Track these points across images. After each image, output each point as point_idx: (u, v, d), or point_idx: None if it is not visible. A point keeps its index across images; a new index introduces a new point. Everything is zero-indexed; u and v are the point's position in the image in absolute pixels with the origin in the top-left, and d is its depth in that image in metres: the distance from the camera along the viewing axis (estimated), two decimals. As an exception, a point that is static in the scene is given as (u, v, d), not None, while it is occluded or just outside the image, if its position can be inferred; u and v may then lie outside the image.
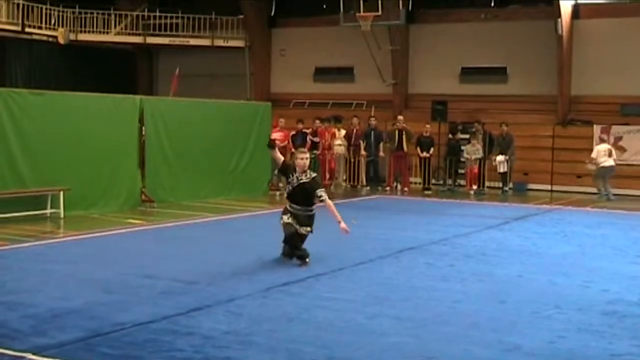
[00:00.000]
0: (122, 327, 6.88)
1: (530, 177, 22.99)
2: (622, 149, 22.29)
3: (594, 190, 21.43)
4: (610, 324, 7.48)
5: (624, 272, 10.17)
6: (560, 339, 6.90)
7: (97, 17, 27.18)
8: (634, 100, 22.77)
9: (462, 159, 22.40)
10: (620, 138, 22.34)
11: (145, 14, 27.62)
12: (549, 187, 22.56)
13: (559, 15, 22.70)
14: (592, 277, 9.78)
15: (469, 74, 25.20)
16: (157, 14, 27.44)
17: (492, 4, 25.06)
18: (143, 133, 16.47)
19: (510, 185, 22.28)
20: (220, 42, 27.45)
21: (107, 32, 27.52)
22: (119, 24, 27.77)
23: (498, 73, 24.90)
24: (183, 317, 7.30)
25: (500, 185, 22.07)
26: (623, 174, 22.14)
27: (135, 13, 27.78)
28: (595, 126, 22.59)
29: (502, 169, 21.80)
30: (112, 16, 27.55)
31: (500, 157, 21.67)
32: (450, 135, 22.78)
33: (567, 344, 6.74)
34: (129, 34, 27.93)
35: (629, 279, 9.76)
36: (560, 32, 22.77)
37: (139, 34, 27.86)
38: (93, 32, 27.15)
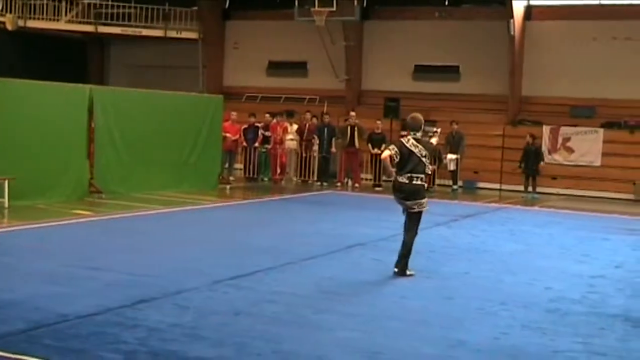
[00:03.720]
0: (66, 319, 6.78)
1: (480, 176, 23.23)
2: (570, 150, 22.65)
3: (545, 189, 21.82)
4: (553, 320, 7.61)
5: (568, 271, 10.35)
6: (504, 335, 6.99)
7: (47, 4, 26.63)
8: (582, 102, 23.15)
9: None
10: (568, 139, 22.70)
11: (97, 2, 27.19)
12: (498, 185, 22.82)
13: (512, 16, 22.95)
14: (538, 275, 9.93)
15: (422, 71, 25.35)
16: (110, 2, 27.01)
17: (446, 3, 25.19)
18: (92, 123, 16.23)
19: (460, 183, 22.50)
20: (173, 34, 27.13)
21: (58, 20, 27.03)
22: (69, 12, 27.29)
23: (451, 72, 25.10)
24: (129, 309, 7.22)
25: (450, 183, 22.27)
26: (571, 175, 22.53)
27: (86, 1, 27.29)
28: (544, 127, 22.91)
29: (452, 167, 22.00)
30: (63, 3, 27.05)
31: (450, 156, 21.87)
32: (529, 139, 21.67)
33: (511, 340, 6.84)
34: (80, 23, 27.48)
35: (573, 277, 9.94)
36: (512, 32, 23.03)
37: (91, 23, 27.42)
38: (43, 19, 26.64)
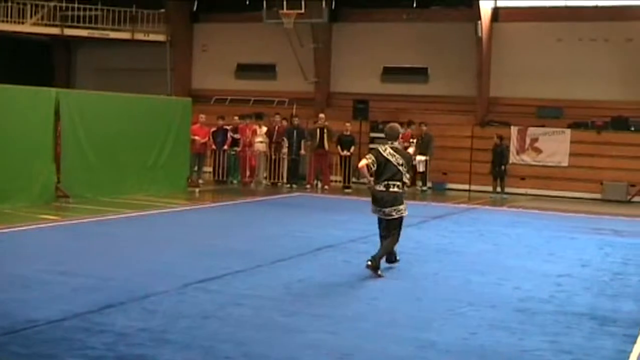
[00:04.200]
0: (34, 325, 6.71)
1: (449, 177, 23.34)
2: (538, 151, 22.82)
3: (513, 190, 21.96)
4: (521, 320, 7.65)
5: (536, 270, 10.42)
6: (473, 335, 7.02)
7: (11, 7, 26.31)
8: (549, 103, 23.36)
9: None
10: (536, 139, 22.86)
11: (63, 4, 26.89)
12: (467, 186, 22.94)
13: (479, 18, 23.10)
14: (506, 275, 9.99)
15: (390, 73, 25.42)
16: (76, 5, 26.74)
17: (414, 5, 25.30)
18: (59, 127, 16.06)
19: (429, 184, 22.58)
20: (140, 36, 26.95)
21: (23, 23, 26.70)
22: (35, 14, 26.96)
23: (419, 73, 25.18)
24: (96, 314, 7.15)
25: (419, 184, 22.34)
26: (539, 175, 22.70)
27: (52, 4, 27.02)
28: (512, 127, 23.06)
29: (421, 168, 22.06)
30: (28, 6, 26.73)
31: (419, 157, 21.92)
32: (497, 140, 21.86)
33: (480, 340, 6.87)
34: (46, 25, 27.16)
35: (541, 276, 10.01)
36: (479, 34, 23.18)
37: (57, 25, 27.13)
38: (7, 21, 26.29)
